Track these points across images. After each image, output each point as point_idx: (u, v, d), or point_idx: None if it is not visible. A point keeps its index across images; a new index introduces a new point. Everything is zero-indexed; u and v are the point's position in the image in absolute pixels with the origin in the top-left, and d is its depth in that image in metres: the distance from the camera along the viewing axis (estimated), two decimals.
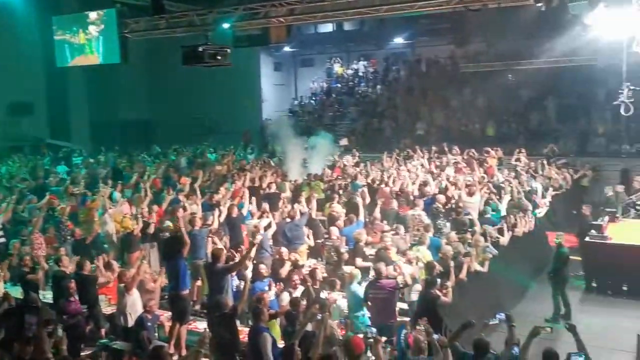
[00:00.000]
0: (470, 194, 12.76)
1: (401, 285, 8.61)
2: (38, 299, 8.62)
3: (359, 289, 8.45)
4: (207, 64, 10.96)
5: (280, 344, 7.24)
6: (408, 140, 22.56)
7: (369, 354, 6.42)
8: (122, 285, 8.73)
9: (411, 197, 13.19)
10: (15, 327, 7.24)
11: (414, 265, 9.20)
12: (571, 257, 11.07)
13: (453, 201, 12.60)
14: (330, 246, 10.32)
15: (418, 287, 8.74)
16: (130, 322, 8.40)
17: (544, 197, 13.97)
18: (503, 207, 12.62)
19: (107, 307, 9.41)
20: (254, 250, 9.53)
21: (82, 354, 7.89)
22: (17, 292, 9.22)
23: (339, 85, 30.20)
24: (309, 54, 31.99)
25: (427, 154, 18.49)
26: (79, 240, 11.47)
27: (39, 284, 9.76)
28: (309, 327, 6.80)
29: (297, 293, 8.39)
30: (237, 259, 9.13)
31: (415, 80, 27.02)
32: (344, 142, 22.92)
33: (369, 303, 8.30)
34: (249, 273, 8.91)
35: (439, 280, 8.34)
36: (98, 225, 11.83)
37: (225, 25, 11.77)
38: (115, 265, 10.08)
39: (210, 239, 10.31)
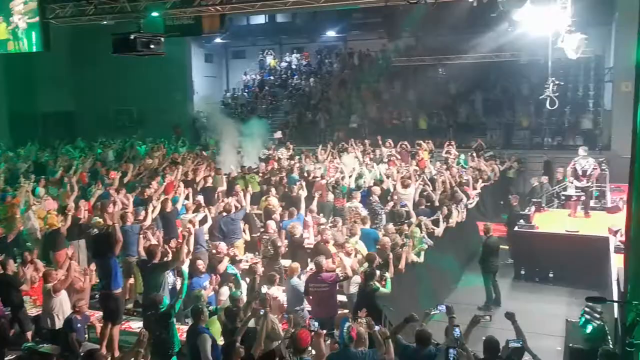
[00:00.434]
0: (405, 186, 12.96)
1: (342, 278, 8.61)
2: None
3: (299, 283, 8.39)
4: (140, 53, 10.49)
5: (220, 340, 7.09)
6: (342, 133, 22.74)
7: (309, 347, 6.36)
8: (49, 285, 8.28)
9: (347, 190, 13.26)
10: None
11: (353, 257, 9.23)
12: (501, 246, 11.46)
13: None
14: (267, 240, 10.19)
15: (357, 279, 8.75)
16: (58, 324, 8.04)
17: (474, 188, 14.38)
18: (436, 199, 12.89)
19: (32, 309, 8.96)
20: (191, 244, 9.26)
21: (6, 358, 7.45)
22: None
23: (272, 77, 29.99)
24: (240, 45, 31.50)
25: (362, 147, 18.66)
26: (0, 239, 10.79)
27: None
28: (251, 323, 6.67)
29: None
30: (171, 255, 8.84)
31: (348, 74, 27.20)
32: (277, 134, 22.77)
33: (310, 297, 8.25)
34: (186, 269, 8.64)
35: (378, 272, 8.39)
36: (20, 223, 11.22)
37: (155, 14, 11.35)
38: (40, 264, 9.61)
39: (142, 235, 9.93)
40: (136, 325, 8.63)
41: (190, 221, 10.26)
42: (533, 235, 12.28)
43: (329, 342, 6.95)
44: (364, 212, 11.60)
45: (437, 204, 12.43)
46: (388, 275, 8.54)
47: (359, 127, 23.38)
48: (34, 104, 26.60)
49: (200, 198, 12.62)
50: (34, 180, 14.12)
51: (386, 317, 8.18)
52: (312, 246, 10.13)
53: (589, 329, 7.59)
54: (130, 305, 9.67)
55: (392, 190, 13.15)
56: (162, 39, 10.51)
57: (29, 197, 12.31)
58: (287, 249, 10.14)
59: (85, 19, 12.28)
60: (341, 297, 8.96)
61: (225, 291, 8.16)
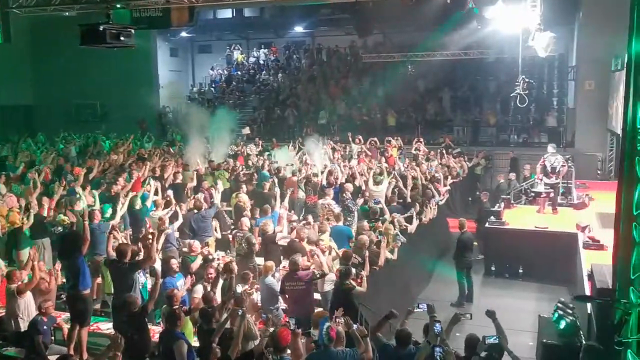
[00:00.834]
0: (377, 182, 12.94)
1: (318, 276, 8.51)
2: None
3: (274, 282, 8.26)
4: (109, 45, 10.10)
5: (194, 341, 6.92)
6: (310, 129, 22.64)
7: None
8: (13, 286, 7.94)
9: (319, 186, 13.16)
10: None
11: (327, 254, 9.15)
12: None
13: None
14: (241, 237, 10.01)
15: (332, 277, 8.67)
16: (23, 326, 7.70)
17: (444, 185, 14.47)
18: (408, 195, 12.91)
19: None
20: (161, 241, 9.03)
21: None
22: None
23: (239, 73, 29.68)
24: (206, 40, 31.09)
25: (331, 144, 18.60)
26: None
27: None
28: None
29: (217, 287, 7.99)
30: (142, 254, 8.59)
31: (317, 69, 27.11)
32: (246, 131, 22.53)
33: (287, 295, 8.13)
34: (158, 267, 8.40)
35: (353, 270, 8.32)
36: None
37: (121, 5, 11.02)
38: (2, 264, 9.22)
39: (111, 234, 9.61)
40: (105, 326, 8.35)
41: (160, 219, 10.02)
42: (503, 231, 12.40)
43: (304, 341, 6.86)
44: (337, 210, 11.52)
45: (409, 200, 12.44)
46: (364, 273, 8.48)
47: (327, 124, 23.32)
48: None
49: (170, 194, 12.33)
50: None
51: (362, 316, 8.11)
52: (285, 244, 9.99)
53: (562, 324, 7.66)
54: (97, 306, 9.37)
55: (363, 187, 13.12)
56: (133, 30, 10.16)
57: None
58: (260, 246, 9.99)
59: (51, 8, 11.81)
60: (315, 296, 8.87)
61: (199, 289, 7.96)
